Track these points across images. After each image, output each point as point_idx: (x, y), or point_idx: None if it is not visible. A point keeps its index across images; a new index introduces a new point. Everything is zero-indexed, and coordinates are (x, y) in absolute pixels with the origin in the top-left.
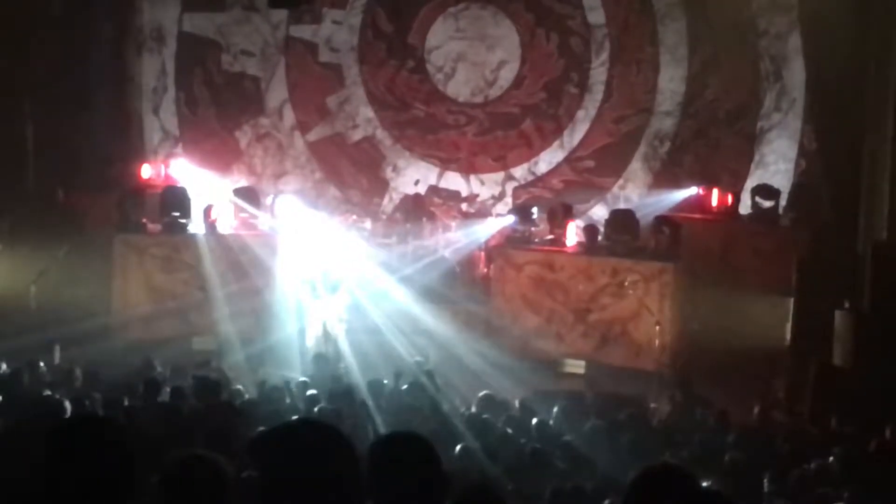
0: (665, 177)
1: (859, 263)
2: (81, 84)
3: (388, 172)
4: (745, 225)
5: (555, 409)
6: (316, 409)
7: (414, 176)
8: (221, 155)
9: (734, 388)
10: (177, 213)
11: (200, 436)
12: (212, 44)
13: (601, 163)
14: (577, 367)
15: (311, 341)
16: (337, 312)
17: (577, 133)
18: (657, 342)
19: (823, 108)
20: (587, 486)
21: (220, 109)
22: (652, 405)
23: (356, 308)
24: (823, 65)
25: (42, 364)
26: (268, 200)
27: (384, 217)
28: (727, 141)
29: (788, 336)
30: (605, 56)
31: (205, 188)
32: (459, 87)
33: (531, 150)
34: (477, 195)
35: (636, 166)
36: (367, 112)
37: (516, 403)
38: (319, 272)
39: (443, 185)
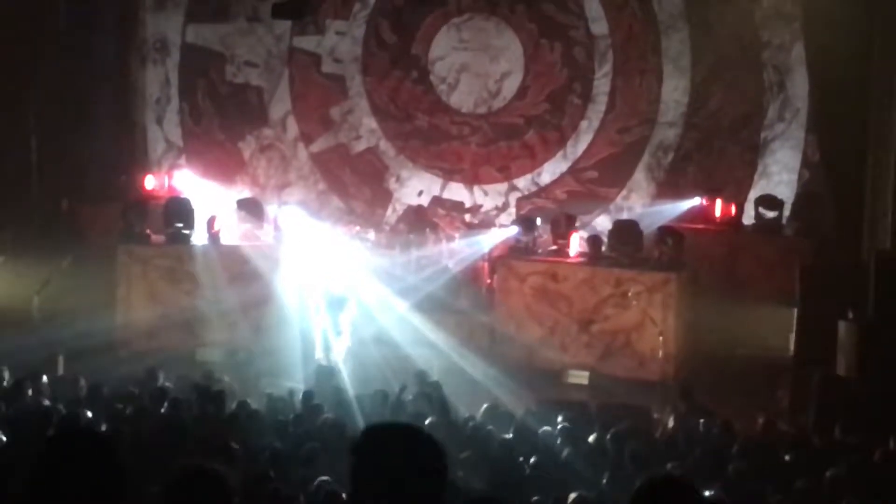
0: (668, 187)
1: (863, 273)
2: (85, 95)
3: (392, 183)
4: (749, 235)
5: (558, 420)
6: (319, 420)
7: (417, 187)
8: (225, 166)
9: (738, 399)
10: (180, 224)
11: (204, 447)
12: (215, 55)
13: (604, 173)
14: (580, 377)
15: (315, 352)
16: (340, 323)
17: (580, 144)
18: (661, 353)
19: (827, 118)
20: (590, 498)
21: (223, 120)
22: (655, 416)
23: (360, 319)
24: (827, 75)
25: (45, 375)
26: (271, 211)
27: (387, 228)
28: (730, 151)
29: (792, 346)
30: (608, 66)
31: (208, 199)
32: (463, 98)
33: (534, 160)
34: (480, 206)
35: (639, 177)
36: (370, 123)
37: (520, 414)
38: (323, 283)
39: (446, 195)
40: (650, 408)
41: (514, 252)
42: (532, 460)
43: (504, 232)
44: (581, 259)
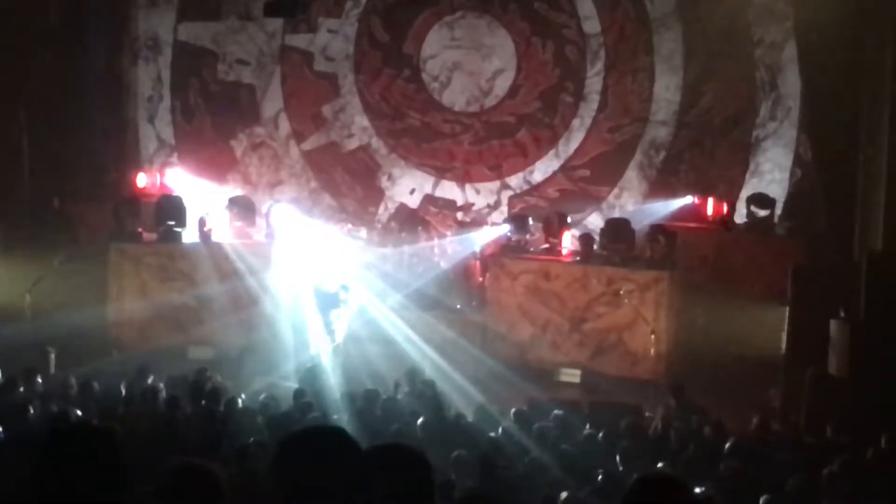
0: (660, 186)
1: (855, 272)
2: (77, 93)
3: (384, 181)
4: (741, 234)
5: (550, 418)
6: (309, 418)
7: (409, 185)
8: (217, 164)
9: (729, 397)
10: (172, 222)
11: (195, 444)
12: (207, 53)
13: (596, 172)
14: (572, 376)
15: (307, 350)
16: (332, 321)
17: (572, 142)
18: (652, 351)
19: (819, 117)
20: (582, 496)
21: (215, 118)
22: (647, 414)
23: (351, 317)
24: (819, 74)
25: (37, 373)
26: (263, 209)
27: (379, 226)
28: (722, 150)
29: (784, 345)
30: (600, 65)
31: (200, 197)
32: (455, 97)
33: (526, 159)
34: (472, 204)
35: (631, 175)
36: (362, 121)
37: (512, 412)
38: (315, 281)
39: (438, 194)
40: (642, 406)
41: (506, 250)
42: (523, 459)
43: (496, 230)
44: (573, 258)
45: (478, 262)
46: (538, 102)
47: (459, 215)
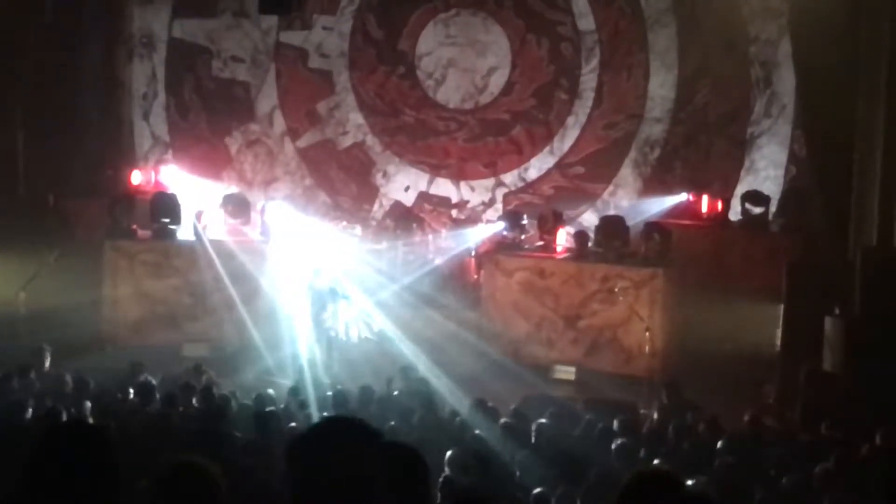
0: (655, 183)
1: (849, 269)
2: (72, 90)
3: (379, 179)
4: (736, 231)
5: (545, 415)
6: (305, 415)
7: (404, 182)
8: (212, 161)
9: (724, 394)
10: (167, 220)
11: (190, 441)
12: (202, 50)
13: (591, 169)
14: (567, 373)
15: (302, 347)
16: (327, 318)
17: (567, 139)
18: (647, 348)
19: (814, 113)
20: (577, 493)
21: (210, 115)
22: (642, 411)
23: (346, 314)
24: (814, 71)
25: (32, 371)
26: (258, 207)
27: (374, 223)
28: (717, 147)
29: (778, 342)
30: (595, 62)
31: (195, 194)
32: (450, 94)
33: (521, 156)
34: (467, 201)
35: (626, 172)
36: (357, 118)
37: (507, 409)
38: (309, 278)
39: (433, 191)
40: (637, 403)
41: (501, 247)
42: (518, 456)
43: (491, 227)
44: (568, 255)
45: (472, 260)
46: (533, 99)
47: (454, 212)
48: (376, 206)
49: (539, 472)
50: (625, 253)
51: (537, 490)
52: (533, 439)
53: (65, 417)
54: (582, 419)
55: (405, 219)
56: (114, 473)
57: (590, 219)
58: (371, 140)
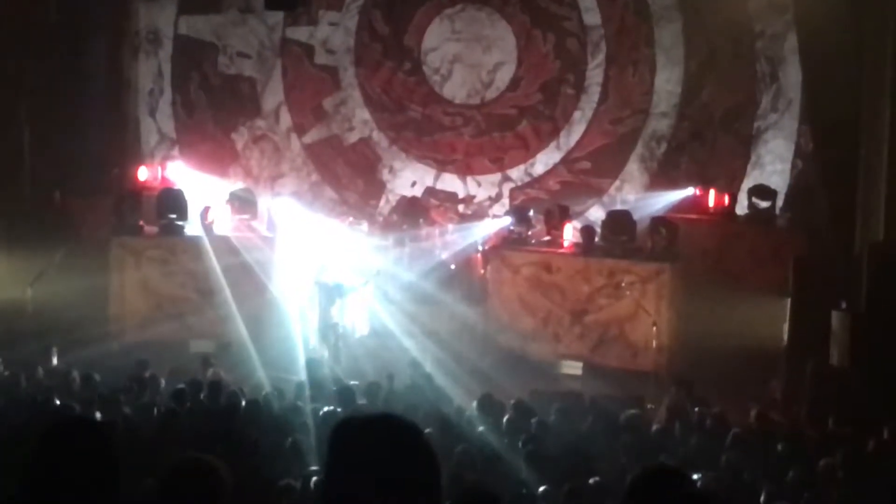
0: (661, 178)
1: (856, 264)
2: (78, 87)
3: (385, 174)
4: (742, 226)
5: (552, 411)
6: (312, 410)
7: (410, 178)
8: (218, 157)
9: (731, 389)
10: (174, 216)
11: (198, 438)
12: (208, 46)
13: (598, 164)
14: (574, 368)
15: (310, 343)
16: (335, 313)
17: (573, 134)
18: (654, 343)
19: (820, 108)
20: (585, 487)
21: (216, 112)
22: (649, 406)
23: (353, 310)
24: (819, 65)
25: (39, 368)
26: (264, 203)
27: (381, 219)
28: (723, 142)
29: (785, 337)
30: (601, 57)
31: (201, 190)
32: (456, 89)
33: (528, 151)
34: (474, 197)
35: (633, 167)
36: (363, 114)
37: (513, 405)
38: (316, 274)
39: (439, 186)
40: (644, 398)
41: (508, 243)
42: (525, 451)
43: (497, 223)
44: (574, 250)
45: (479, 255)
46: (539, 95)
47: (461, 208)
48: (383, 202)
49: (546, 468)
50: (631, 248)
51: (544, 487)
52: (539, 435)
53: (70, 414)
54: (588, 414)
55: (412, 214)
56: (114, 470)
57: (596, 214)
58: (377, 136)
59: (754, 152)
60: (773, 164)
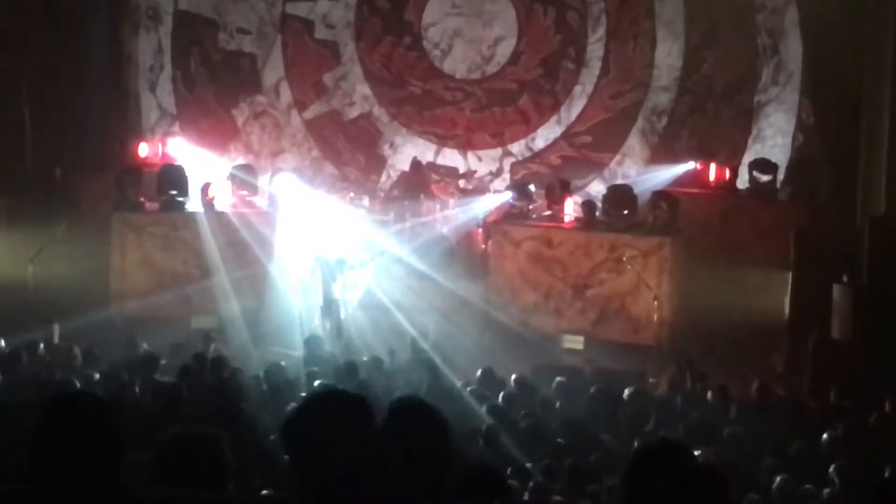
0: (662, 152)
1: (857, 237)
2: (78, 63)
3: (386, 149)
4: (743, 200)
5: (554, 385)
6: (313, 386)
7: (411, 153)
8: (218, 133)
9: (733, 363)
10: (174, 192)
11: (200, 413)
12: (208, 22)
13: (598, 138)
14: (575, 342)
15: (311, 319)
16: (336, 289)
17: (574, 109)
18: (656, 317)
19: (821, 81)
20: (586, 462)
21: (216, 87)
22: (651, 380)
23: (355, 285)
24: (820, 38)
25: (41, 343)
26: (265, 178)
27: (382, 194)
28: (724, 115)
29: (787, 310)
30: (601, 31)
31: (202, 166)
32: (456, 64)
33: (528, 126)
34: (475, 172)
35: (633, 141)
36: (363, 89)
37: (515, 379)
38: (318, 250)
39: (440, 161)
40: (645, 372)
41: (509, 217)
42: (526, 426)
43: (498, 197)
44: (575, 224)
45: (480, 230)
46: (540, 69)
47: (462, 183)
48: (384, 177)
49: (548, 442)
50: (632, 222)
51: (546, 461)
52: (541, 409)
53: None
54: (590, 388)
55: (413, 189)
56: (119, 446)
57: (597, 188)
58: (378, 111)
59: (755, 126)
60: (774, 138)
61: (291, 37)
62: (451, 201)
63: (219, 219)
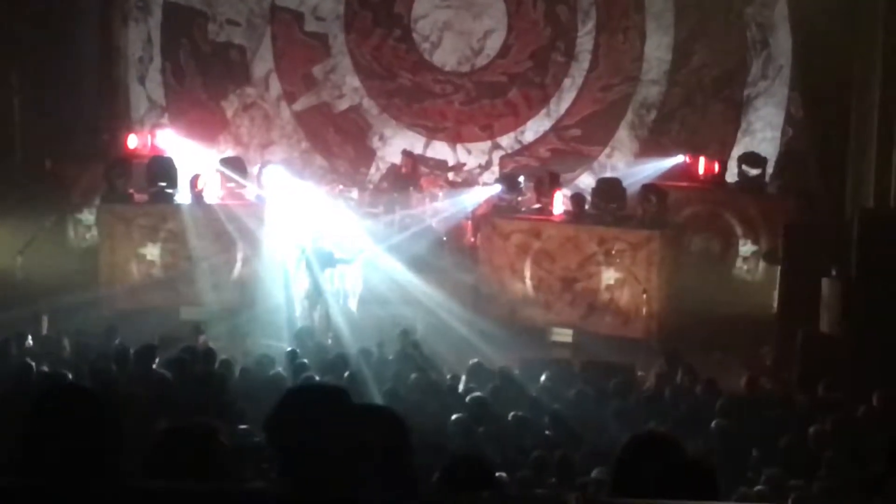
0: (652, 145)
1: (846, 231)
2: (68, 54)
3: (375, 142)
4: (732, 193)
5: (542, 378)
6: (302, 378)
7: (401, 145)
8: (208, 125)
9: (721, 356)
10: (163, 183)
11: (190, 406)
12: (198, 13)
13: (588, 131)
14: (564, 335)
15: (299, 311)
16: (324, 282)
17: (563, 102)
18: (644, 310)
19: (810, 75)
20: (575, 454)
21: (206, 79)
22: (640, 373)
23: (343, 278)
24: (810, 32)
25: (29, 335)
26: (254, 170)
27: (371, 187)
28: (714, 109)
29: (775, 304)
30: (591, 24)
31: (191, 158)
32: (446, 56)
33: (518, 118)
34: (464, 164)
35: (623, 135)
36: (353, 81)
37: (503, 372)
38: (306, 242)
39: (429, 154)
40: (634, 365)
41: (498, 210)
42: (514, 418)
43: (487, 190)
44: (565, 217)
45: (469, 222)
46: (529, 62)
47: (451, 175)
48: (373, 170)
49: (536, 435)
50: (622, 215)
51: (535, 454)
52: (530, 402)
53: (61, 382)
54: (579, 381)
55: (402, 181)
56: (113, 439)
57: (586, 181)
58: (367, 103)
59: (744, 119)
60: (764, 132)
61: (281, 29)
62: (441, 194)
63: (208, 211)
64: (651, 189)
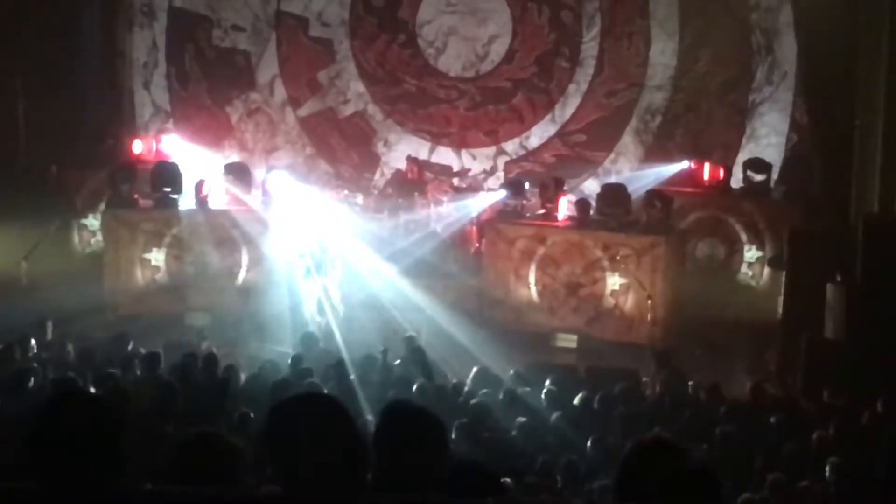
0: (656, 151)
1: (851, 236)
2: (72, 60)
3: (380, 147)
4: (737, 199)
5: (547, 383)
6: (306, 384)
7: (405, 151)
8: (212, 130)
9: (726, 362)
10: (168, 189)
11: (195, 412)
12: (202, 19)
13: (592, 137)
14: (569, 341)
15: (303, 316)
16: (329, 287)
17: (568, 107)
18: (649, 316)
19: (815, 81)
20: (579, 461)
21: (211, 85)
22: (644, 379)
23: (348, 283)
24: (815, 38)
25: (34, 340)
26: (259, 176)
27: (375, 192)
28: (718, 114)
29: (780, 309)
30: (596, 30)
31: (196, 163)
32: (451, 62)
33: (522, 124)
34: (468, 170)
35: (627, 140)
36: (358, 87)
37: (508, 378)
38: (312, 247)
39: (434, 159)
40: (638, 371)
41: (503, 216)
42: (520, 424)
43: (492, 196)
44: (569, 223)
45: (474, 228)
46: (534, 67)
47: (455, 181)
48: (377, 175)
49: (541, 441)
50: (626, 221)
51: (540, 459)
52: (534, 408)
53: (67, 387)
54: (583, 387)
55: (407, 187)
56: (119, 447)
57: (591, 187)
58: (372, 109)
59: (749, 125)
60: (769, 137)
61: (286, 34)
62: (445, 199)
63: (212, 216)
64: (656, 195)
